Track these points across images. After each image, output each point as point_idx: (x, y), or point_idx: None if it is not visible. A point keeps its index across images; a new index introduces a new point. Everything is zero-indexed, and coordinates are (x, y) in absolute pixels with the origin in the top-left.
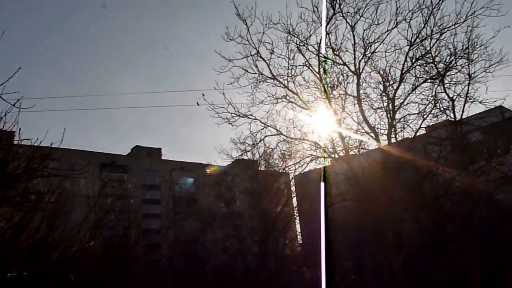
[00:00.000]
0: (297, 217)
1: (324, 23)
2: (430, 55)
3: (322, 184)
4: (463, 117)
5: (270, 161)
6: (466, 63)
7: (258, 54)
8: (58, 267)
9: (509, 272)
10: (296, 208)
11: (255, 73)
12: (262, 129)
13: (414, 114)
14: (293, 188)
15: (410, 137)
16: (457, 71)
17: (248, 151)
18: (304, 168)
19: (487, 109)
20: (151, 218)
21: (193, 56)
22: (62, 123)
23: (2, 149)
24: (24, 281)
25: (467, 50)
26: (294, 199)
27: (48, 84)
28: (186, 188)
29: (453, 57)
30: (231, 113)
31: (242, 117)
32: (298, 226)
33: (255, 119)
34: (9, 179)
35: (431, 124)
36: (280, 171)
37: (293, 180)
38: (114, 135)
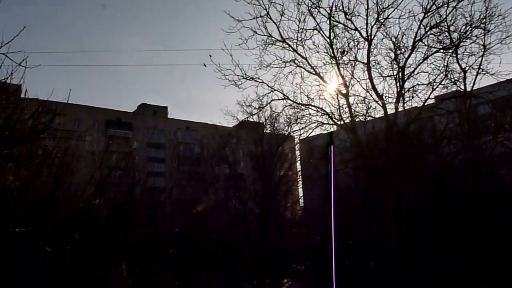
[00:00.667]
0: (300, 182)
1: None
2: (445, 23)
3: (331, 147)
4: (473, 89)
5: (276, 125)
6: (482, 34)
7: (268, 16)
8: (64, 224)
9: (508, 246)
10: (300, 173)
11: (264, 35)
12: (268, 92)
13: (424, 84)
14: (297, 153)
15: (418, 106)
16: (471, 41)
17: (254, 114)
18: (309, 134)
19: (498, 81)
20: (156, 176)
21: (202, 14)
22: (68, 80)
23: (9, 105)
24: (30, 236)
25: (484, 20)
26: (298, 164)
27: (54, 41)
28: (189, 147)
29: (468, 27)
30: (238, 75)
31: (249, 80)
32: (300, 191)
33: (262, 82)
34: (16, 139)
35: (440, 94)
36: (285, 135)
37: (298, 144)
38: (121, 93)
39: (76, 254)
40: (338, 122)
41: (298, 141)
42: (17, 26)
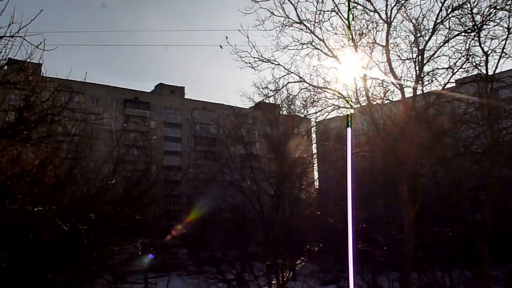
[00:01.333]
0: (316, 164)
1: None
2: (468, 5)
3: (349, 129)
4: (496, 73)
5: (292, 107)
6: (506, 16)
7: None
8: (80, 203)
9: None
10: (315, 155)
11: (281, 16)
12: (285, 75)
13: (444, 68)
14: (313, 135)
15: (437, 89)
16: (495, 24)
17: (270, 96)
18: (325, 117)
19: None
20: (172, 155)
21: None
22: (87, 59)
23: (28, 85)
24: (47, 216)
25: (509, 1)
26: (314, 146)
27: (72, 20)
28: (205, 127)
29: (492, 9)
30: (254, 57)
31: (265, 62)
32: (315, 173)
33: (279, 64)
34: (34, 120)
35: (460, 78)
36: (301, 117)
37: (314, 127)
38: (139, 72)
39: (92, 232)
40: (355, 106)
41: (314, 124)
42: (35, 4)
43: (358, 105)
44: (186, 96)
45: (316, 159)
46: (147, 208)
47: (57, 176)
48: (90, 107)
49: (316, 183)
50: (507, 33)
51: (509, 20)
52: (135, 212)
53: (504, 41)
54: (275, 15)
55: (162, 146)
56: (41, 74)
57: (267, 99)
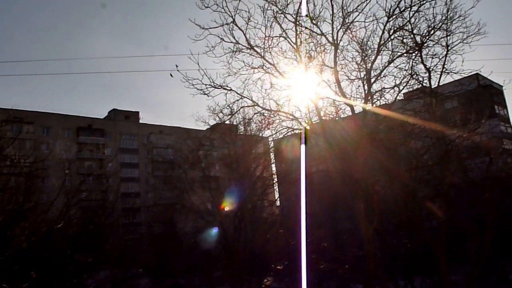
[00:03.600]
0: (276, 182)
1: None
2: (408, 26)
3: (303, 147)
4: (439, 86)
5: (248, 128)
6: (444, 35)
7: (234, 23)
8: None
9: (475, 235)
10: (275, 172)
11: (231, 42)
12: (238, 100)
13: (390, 88)
14: (272, 155)
15: (387, 103)
16: (434, 42)
17: (225, 121)
18: (280, 137)
19: (464, 76)
20: (130, 182)
21: (171, 20)
22: (37, 88)
23: None
24: None
25: (445, 21)
26: (274, 165)
27: (20, 49)
28: (162, 151)
29: (431, 29)
30: (205, 84)
31: (217, 88)
32: (276, 192)
33: (231, 90)
34: None
35: (407, 92)
36: (258, 137)
37: (272, 147)
38: (92, 99)
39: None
40: (307, 127)
41: (272, 144)
42: None
43: (311, 124)
44: (141, 121)
45: (276, 178)
46: (106, 239)
47: (5, 212)
48: (41, 137)
49: (278, 202)
50: (446, 50)
51: (446, 38)
52: (93, 244)
53: (444, 58)
54: (225, 41)
55: (119, 173)
56: None
57: (223, 122)
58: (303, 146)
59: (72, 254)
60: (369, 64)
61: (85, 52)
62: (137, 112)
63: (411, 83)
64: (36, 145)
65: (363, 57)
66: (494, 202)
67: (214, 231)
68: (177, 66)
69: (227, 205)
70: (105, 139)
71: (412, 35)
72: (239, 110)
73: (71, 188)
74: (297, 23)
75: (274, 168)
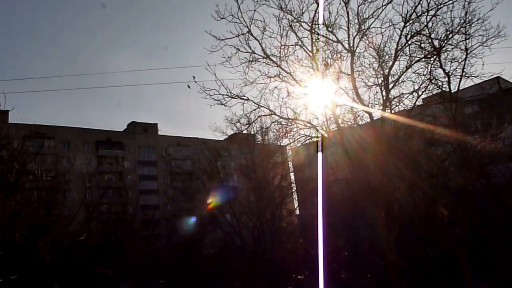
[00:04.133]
0: (295, 191)
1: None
2: (426, 31)
3: (320, 155)
4: (459, 90)
5: (266, 137)
6: (463, 38)
7: (250, 33)
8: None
9: (500, 243)
10: (294, 181)
11: (247, 52)
12: (255, 109)
13: (408, 93)
14: (290, 163)
15: (405, 108)
16: (453, 46)
17: (243, 130)
18: (298, 146)
19: (484, 80)
20: (149, 194)
21: (190, 31)
22: (56, 103)
23: None
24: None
25: (464, 25)
26: (292, 174)
27: (41, 64)
28: (181, 163)
29: (449, 33)
30: (223, 94)
31: (234, 97)
32: (295, 201)
33: (248, 99)
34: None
35: (426, 97)
36: (276, 145)
37: (290, 155)
38: (110, 112)
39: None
40: (325, 134)
41: (290, 153)
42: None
43: (329, 132)
44: (159, 133)
45: (295, 187)
46: (127, 251)
47: (28, 226)
48: (62, 152)
49: (297, 211)
50: (465, 54)
51: (465, 42)
52: (114, 256)
53: (463, 62)
54: (241, 52)
55: (138, 185)
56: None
57: (241, 132)
58: (320, 154)
59: (93, 266)
60: (387, 70)
61: (103, 66)
62: (156, 124)
63: (430, 88)
64: (57, 160)
65: (380, 63)
66: None
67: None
68: (194, 78)
69: (245, 216)
70: (124, 152)
71: (430, 40)
72: (257, 119)
73: (91, 202)
74: (313, 31)
75: (292, 177)
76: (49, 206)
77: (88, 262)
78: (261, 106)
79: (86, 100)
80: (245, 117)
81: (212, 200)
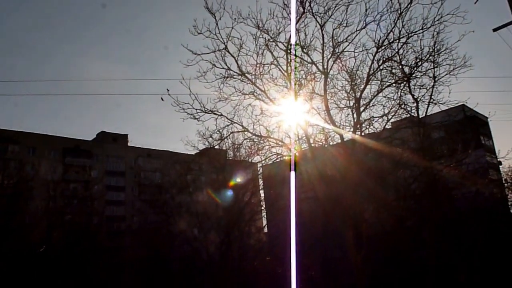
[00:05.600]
0: (264, 208)
1: (293, 21)
2: (397, 57)
3: (292, 173)
4: (426, 115)
5: (238, 153)
6: (432, 66)
7: (226, 49)
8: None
9: (462, 265)
10: (263, 198)
11: (223, 68)
12: (228, 125)
13: (379, 117)
14: (260, 181)
15: (375, 131)
16: (422, 73)
17: (215, 146)
18: (269, 163)
19: (450, 107)
20: (115, 205)
21: (163, 43)
22: (24, 108)
23: None
24: None
25: (433, 54)
26: (262, 191)
27: (7, 68)
28: (150, 175)
29: (419, 60)
30: (196, 109)
31: (208, 112)
32: (264, 219)
33: (221, 115)
34: None
35: (396, 121)
36: (247, 162)
37: (260, 173)
38: (79, 121)
39: None
40: (296, 154)
41: (261, 169)
42: None
43: (301, 151)
44: (129, 144)
45: (264, 204)
46: (90, 263)
47: None
48: (27, 157)
49: (266, 229)
50: (433, 81)
51: (434, 70)
52: (77, 266)
53: (431, 89)
54: (217, 67)
55: (105, 195)
56: None
57: (212, 147)
58: (292, 173)
59: (55, 280)
60: (358, 93)
61: (75, 73)
62: (126, 135)
63: (400, 113)
64: (21, 166)
65: (352, 86)
66: (482, 232)
67: None
68: (168, 90)
69: (214, 232)
70: (91, 161)
71: (400, 66)
72: (229, 135)
73: (55, 210)
74: (288, 51)
75: (262, 194)
76: (10, 213)
77: (49, 274)
78: (234, 122)
79: (55, 107)
80: (217, 132)
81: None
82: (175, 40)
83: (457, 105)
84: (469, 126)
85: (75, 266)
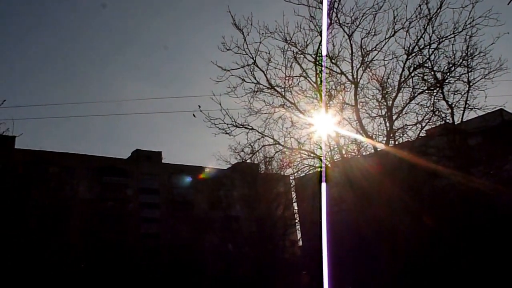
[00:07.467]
0: (298, 221)
1: (324, 32)
2: (428, 63)
3: (323, 185)
4: (462, 122)
5: (269, 167)
6: (465, 71)
7: (255, 64)
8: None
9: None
10: (297, 212)
11: (252, 83)
12: (259, 138)
13: (412, 124)
14: (293, 194)
15: (409, 140)
16: (456, 79)
17: (246, 160)
18: (301, 175)
19: (487, 112)
20: (150, 222)
21: (195, 60)
22: (62, 129)
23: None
24: None
25: (466, 58)
26: (295, 204)
27: (46, 90)
28: (183, 191)
29: (452, 66)
30: (227, 123)
31: (238, 127)
32: (298, 232)
33: (252, 129)
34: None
35: (430, 129)
36: (279, 175)
37: (293, 186)
38: (114, 140)
39: None
40: (329, 165)
41: (293, 182)
42: (16, 76)
43: (333, 162)
44: (163, 161)
45: (298, 217)
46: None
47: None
48: (65, 178)
49: (300, 242)
50: (468, 86)
51: (468, 75)
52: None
53: (466, 94)
54: (246, 82)
55: (140, 213)
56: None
57: (244, 161)
58: (324, 185)
59: None
60: (390, 102)
61: (109, 94)
62: (160, 152)
63: (434, 120)
64: (60, 186)
65: (383, 94)
66: None
67: None
68: (199, 107)
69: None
70: (127, 179)
71: (432, 72)
72: (260, 148)
73: (93, 229)
74: (317, 62)
75: (295, 207)
76: (51, 232)
77: None
78: (265, 136)
79: (90, 127)
80: (249, 146)
81: None
82: (206, 57)
83: (494, 109)
84: (508, 131)
85: (111, 284)
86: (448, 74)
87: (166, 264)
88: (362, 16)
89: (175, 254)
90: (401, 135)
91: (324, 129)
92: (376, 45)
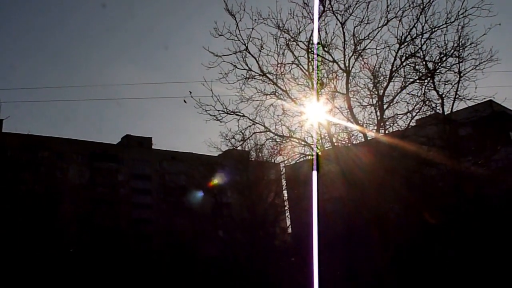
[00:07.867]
0: (288, 208)
1: (316, 20)
2: (420, 53)
3: (314, 173)
4: (452, 112)
5: (260, 154)
6: (456, 61)
7: (247, 50)
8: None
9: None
10: (287, 199)
11: (244, 69)
12: (250, 125)
13: (403, 114)
14: (284, 181)
15: (399, 129)
16: (447, 69)
17: (237, 147)
18: (292, 163)
19: (477, 103)
20: (142, 208)
21: (186, 45)
22: (51, 113)
23: None
24: None
25: (457, 48)
26: (285, 191)
27: (38, 74)
28: (175, 177)
29: (443, 56)
30: (218, 110)
31: (230, 114)
32: (288, 219)
33: (243, 116)
34: None
35: (420, 118)
36: (270, 163)
37: (283, 173)
38: (105, 125)
39: None
40: (319, 153)
41: (284, 169)
42: (2, 58)
43: (324, 151)
44: (154, 147)
45: (287, 204)
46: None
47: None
48: (55, 162)
49: (290, 229)
50: (458, 77)
51: (459, 65)
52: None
53: (456, 84)
54: (238, 68)
55: (132, 199)
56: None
57: (235, 148)
58: (315, 173)
59: (85, 281)
60: (381, 91)
61: (100, 78)
62: (150, 138)
63: (424, 110)
64: (51, 171)
65: (375, 83)
66: None
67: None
68: (190, 93)
69: (239, 232)
70: (118, 165)
71: (424, 62)
72: (251, 136)
73: (84, 214)
74: (309, 50)
75: (286, 195)
76: (41, 217)
77: (78, 276)
78: (256, 123)
79: (80, 111)
80: (240, 133)
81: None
82: (198, 43)
83: (484, 100)
84: (498, 122)
85: (103, 268)
86: (439, 64)
87: (158, 250)
88: (356, 4)
89: (167, 239)
90: (392, 124)
91: (316, 117)
92: (369, 33)
